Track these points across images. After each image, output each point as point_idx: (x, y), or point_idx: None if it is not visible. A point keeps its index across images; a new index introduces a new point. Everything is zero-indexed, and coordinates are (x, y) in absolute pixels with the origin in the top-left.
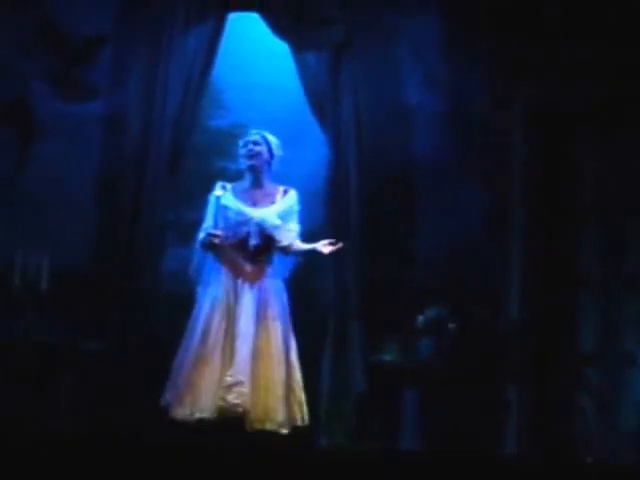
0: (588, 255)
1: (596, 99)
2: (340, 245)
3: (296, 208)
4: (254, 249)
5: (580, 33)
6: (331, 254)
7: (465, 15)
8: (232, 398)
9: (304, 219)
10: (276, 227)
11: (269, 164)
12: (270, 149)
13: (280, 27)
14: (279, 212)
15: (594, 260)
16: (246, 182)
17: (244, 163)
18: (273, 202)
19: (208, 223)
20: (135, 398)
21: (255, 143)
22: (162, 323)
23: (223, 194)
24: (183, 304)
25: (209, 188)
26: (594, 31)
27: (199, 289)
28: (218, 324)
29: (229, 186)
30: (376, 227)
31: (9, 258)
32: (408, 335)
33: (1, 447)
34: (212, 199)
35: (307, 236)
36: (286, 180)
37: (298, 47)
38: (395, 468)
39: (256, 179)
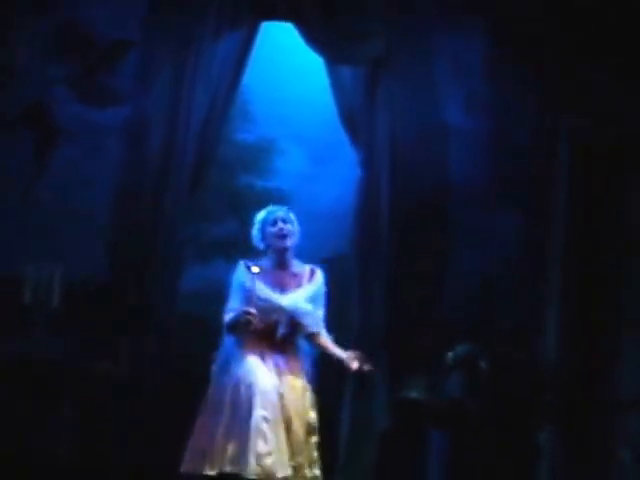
0: (631, 294)
1: None
2: (370, 368)
3: (323, 290)
4: (282, 338)
5: (630, 63)
6: (359, 280)
7: (512, 38)
8: (269, 464)
9: (331, 244)
10: (307, 314)
11: None
12: (294, 225)
13: (316, 39)
14: (308, 297)
15: (638, 299)
16: (269, 261)
17: (273, 243)
18: (300, 285)
19: (234, 304)
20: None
21: (284, 221)
22: (177, 344)
23: (257, 271)
24: (199, 325)
25: (234, 204)
26: None
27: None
28: (272, 413)
29: (252, 265)
30: (406, 254)
31: (20, 271)
32: (436, 372)
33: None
34: (240, 278)
35: (335, 262)
36: (313, 201)
37: (334, 61)
38: None
39: (283, 260)
